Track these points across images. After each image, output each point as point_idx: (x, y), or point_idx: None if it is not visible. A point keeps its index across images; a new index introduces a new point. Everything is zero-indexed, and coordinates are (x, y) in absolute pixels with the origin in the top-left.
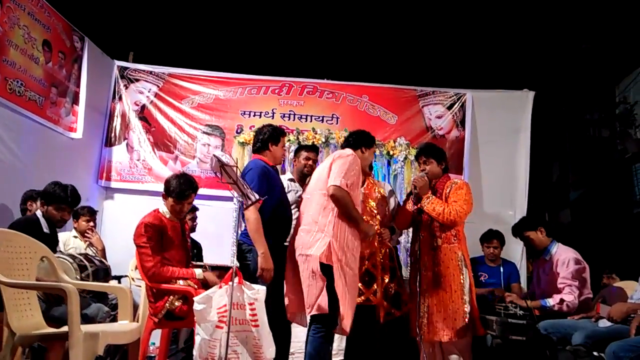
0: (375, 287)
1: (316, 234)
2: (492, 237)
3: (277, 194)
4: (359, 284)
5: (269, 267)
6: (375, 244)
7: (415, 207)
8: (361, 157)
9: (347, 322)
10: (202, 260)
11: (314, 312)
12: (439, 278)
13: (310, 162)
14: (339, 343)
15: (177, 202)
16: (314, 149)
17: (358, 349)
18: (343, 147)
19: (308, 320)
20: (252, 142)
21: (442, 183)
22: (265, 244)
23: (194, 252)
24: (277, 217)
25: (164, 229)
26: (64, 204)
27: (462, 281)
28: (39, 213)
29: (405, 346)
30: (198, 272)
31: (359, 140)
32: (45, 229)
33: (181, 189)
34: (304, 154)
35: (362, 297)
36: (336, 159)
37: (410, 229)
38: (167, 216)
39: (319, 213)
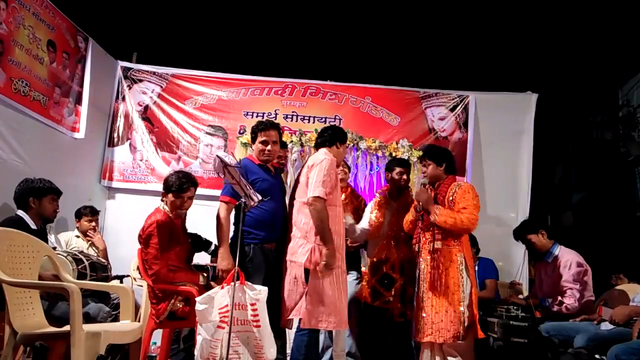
0: (394, 290)
1: (299, 240)
2: None
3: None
4: (378, 288)
5: (223, 268)
6: (392, 246)
7: (418, 214)
8: (336, 153)
9: (344, 317)
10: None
11: (291, 316)
12: (438, 280)
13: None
14: (342, 344)
15: (177, 195)
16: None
17: (370, 348)
18: (317, 145)
19: (295, 323)
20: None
21: (445, 185)
22: (225, 243)
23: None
24: (261, 217)
25: (173, 226)
26: (55, 194)
27: (461, 284)
28: (21, 213)
29: (407, 348)
30: (201, 279)
31: (334, 137)
32: (34, 226)
33: (180, 182)
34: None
35: (381, 300)
36: (312, 167)
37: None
38: (170, 214)
39: (302, 220)
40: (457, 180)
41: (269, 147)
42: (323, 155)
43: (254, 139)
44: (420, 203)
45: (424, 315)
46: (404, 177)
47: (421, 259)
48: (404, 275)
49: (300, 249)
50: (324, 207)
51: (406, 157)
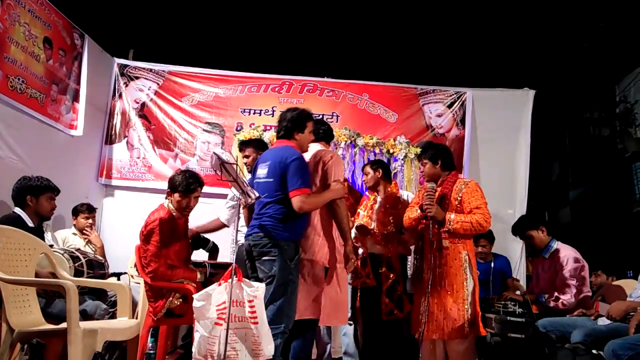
0: (368, 270)
1: (314, 237)
2: (478, 237)
3: None
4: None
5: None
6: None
7: (422, 213)
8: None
9: (346, 312)
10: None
11: (306, 317)
12: (442, 278)
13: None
14: (339, 341)
15: (183, 196)
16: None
17: (366, 346)
18: (318, 139)
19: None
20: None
21: (449, 183)
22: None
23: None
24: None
25: (175, 223)
26: (53, 192)
27: (464, 282)
28: (18, 210)
29: (405, 345)
30: (199, 276)
31: (328, 135)
32: (31, 224)
33: (187, 182)
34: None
35: (360, 280)
36: (330, 162)
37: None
38: (174, 213)
39: (317, 218)
40: (461, 177)
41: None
42: (333, 151)
43: (302, 128)
44: (430, 214)
45: (429, 313)
46: (367, 177)
47: (426, 257)
48: (392, 272)
49: (319, 248)
50: (344, 204)
51: (403, 154)
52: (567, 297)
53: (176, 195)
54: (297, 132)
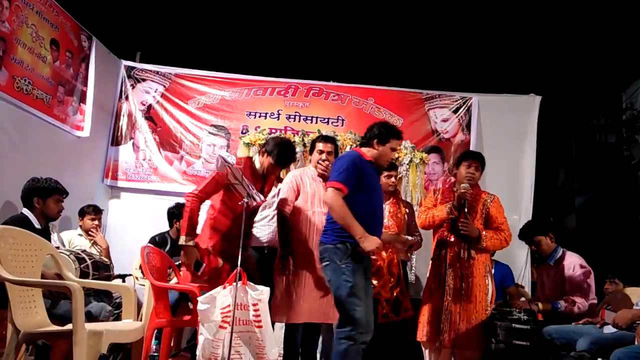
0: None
1: None
2: None
3: (368, 189)
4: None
5: (371, 248)
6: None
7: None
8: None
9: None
10: None
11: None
12: (468, 287)
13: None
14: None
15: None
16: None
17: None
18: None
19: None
20: (258, 142)
21: (476, 195)
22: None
23: None
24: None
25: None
26: (61, 194)
27: (487, 291)
28: (25, 211)
29: (407, 350)
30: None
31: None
32: (38, 225)
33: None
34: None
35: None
36: None
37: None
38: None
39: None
40: (484, 191)
41: (394, 155)
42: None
43: (384, 142)
44: (467, 233)
45: (452, 322)
46: (392, 180)
47: (448, 265)
48: (392, 277)
49: None
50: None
51: (409, 159)
52: (581, 301)
53: (269, 158)
54: (378, 143)
